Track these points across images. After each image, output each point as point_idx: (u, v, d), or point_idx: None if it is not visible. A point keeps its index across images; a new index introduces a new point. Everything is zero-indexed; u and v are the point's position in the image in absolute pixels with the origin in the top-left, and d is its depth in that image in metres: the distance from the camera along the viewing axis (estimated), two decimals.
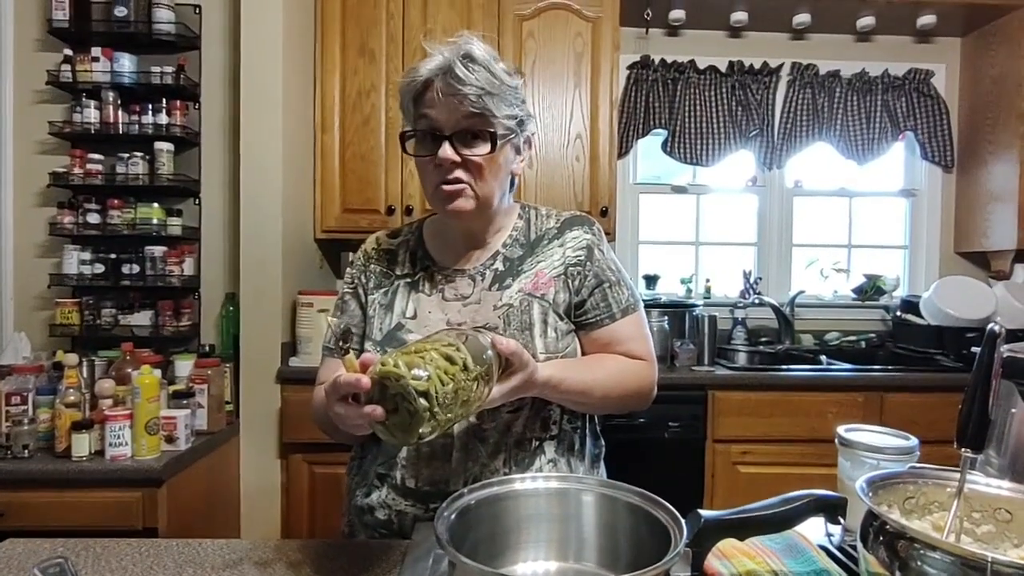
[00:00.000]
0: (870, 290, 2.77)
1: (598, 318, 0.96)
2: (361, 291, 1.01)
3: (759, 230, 2.86)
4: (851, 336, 2.71)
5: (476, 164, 0.89)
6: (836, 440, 0.84)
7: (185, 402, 1.81)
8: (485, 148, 0.88)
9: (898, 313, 2.67)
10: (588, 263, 0.96)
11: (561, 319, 0.94)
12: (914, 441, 0.81)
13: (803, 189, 2.85)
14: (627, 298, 0.98)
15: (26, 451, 1.64)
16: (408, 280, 0.99)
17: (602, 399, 0.91)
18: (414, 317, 0.95)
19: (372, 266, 1.02)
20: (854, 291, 2.82)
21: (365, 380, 0.64)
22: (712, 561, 0.67)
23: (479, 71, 0.85)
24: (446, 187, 0.89)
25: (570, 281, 0.95)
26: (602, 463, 1.04)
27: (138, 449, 1.65)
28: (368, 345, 0.96)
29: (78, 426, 1.63)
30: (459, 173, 0.88)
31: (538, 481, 0.70)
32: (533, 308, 0.92)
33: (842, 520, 0.65)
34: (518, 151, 0.96)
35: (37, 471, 1.60)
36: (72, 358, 1.78)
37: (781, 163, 2.75)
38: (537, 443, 0.92)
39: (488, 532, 0.67)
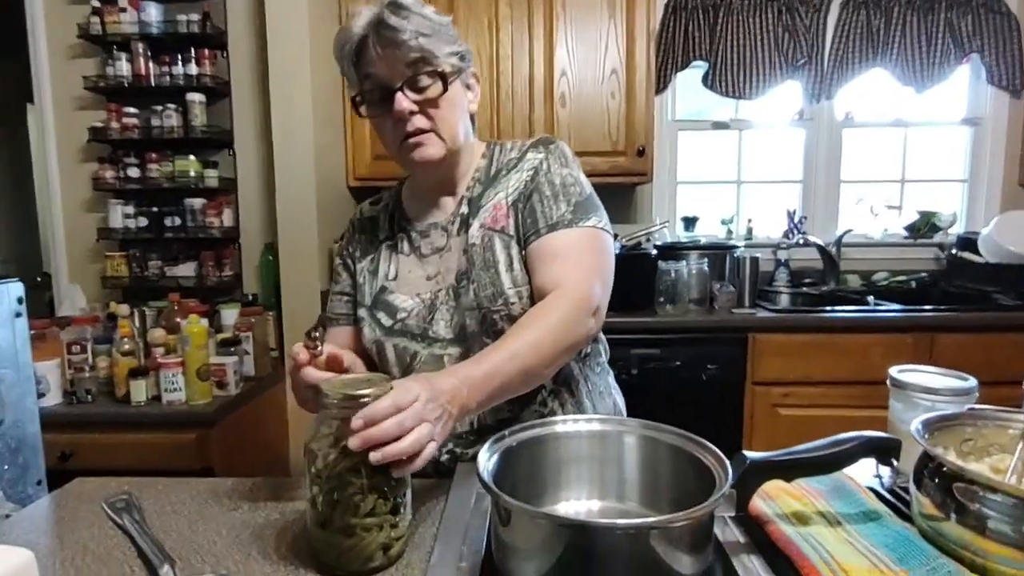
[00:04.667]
0: (923, 227, 2.64)
1: (525, 235, 0.89)
2: (350, 261, 1.03)
3: (805, 167, 2.73)
4: (901, 276, 2.60)
5: (433, 106, 0.86)
6: (888, 381, 0.81)
7: (232, 349, 1.87)
8: (437, 89, 0.86)
9: (954, 251, 2.54)
10: (531, 182, 0.92)
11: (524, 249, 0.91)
12: (972, 382, 0.78)
13: (853, 121, 2.69)
14: (562, 213, 0.88)
15: (89, 396, 1.74)
16: (389, 243, 1.00)
17: (523, 373, 0.76)
18: (396, 278, 0.96)
19: (357, 236, 1.04)
20: (906, 229, 2.68)
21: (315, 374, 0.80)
22: (756, 502, 0.66)
23: (411, 16, 0.83)
24: (411, 140, 0.87)
25: (520, 205, 0.92)
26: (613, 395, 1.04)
27: (191, 394, 1.72)
28: (361, 312, 0.97)
29: (134, 373, 1.71)
30: (419, 121, 0.86)
31: (580, 423, 0.70)
32: (495, 243, 0.90)
33: (895, 462, 0.63)
34: (469, 88, 0.94)
35: (101, 415, 1.70)
36: (124, 309, 1.86)
37: (831, 94, 2.58)
38: None
39: (529, 472, 0.68)
